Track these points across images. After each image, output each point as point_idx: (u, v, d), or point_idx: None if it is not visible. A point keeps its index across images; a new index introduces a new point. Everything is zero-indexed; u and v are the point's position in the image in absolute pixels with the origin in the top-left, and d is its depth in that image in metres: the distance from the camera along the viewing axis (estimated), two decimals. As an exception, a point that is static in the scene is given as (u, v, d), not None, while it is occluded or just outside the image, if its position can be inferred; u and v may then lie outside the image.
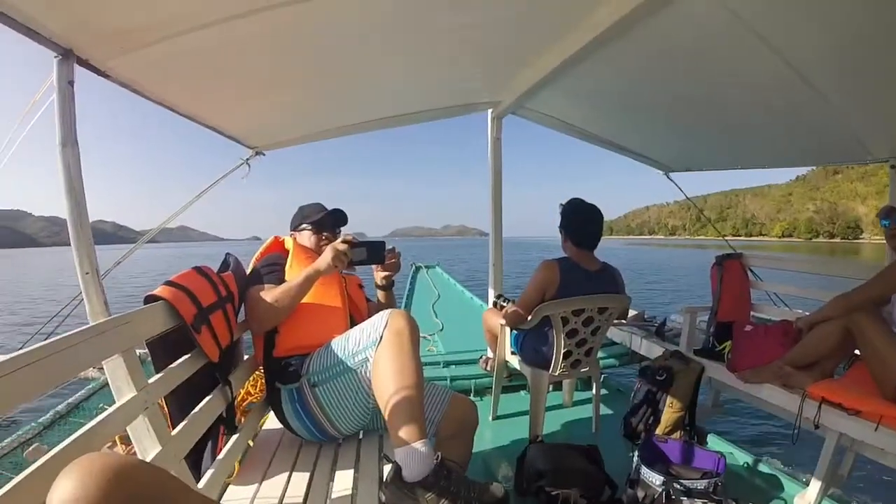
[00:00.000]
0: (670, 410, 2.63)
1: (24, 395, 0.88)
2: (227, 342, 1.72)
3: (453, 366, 3.67)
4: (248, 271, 2.05)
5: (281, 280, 1.91)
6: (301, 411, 1.74)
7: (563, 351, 2.52)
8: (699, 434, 2.71)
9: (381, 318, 1.61)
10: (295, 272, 1.92)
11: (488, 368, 3.40)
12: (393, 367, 1.48)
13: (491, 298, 3.48)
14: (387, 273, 2.21)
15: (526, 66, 2.71)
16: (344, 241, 1.82)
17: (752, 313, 3.41)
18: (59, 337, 1.03)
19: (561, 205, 2.70)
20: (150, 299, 1.44)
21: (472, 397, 3.32)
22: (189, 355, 1.51)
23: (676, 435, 2.59)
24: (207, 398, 1.55)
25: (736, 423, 4.14)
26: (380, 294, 2.32)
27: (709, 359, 2.93)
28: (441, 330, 5.17)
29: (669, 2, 1.77)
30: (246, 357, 2.07)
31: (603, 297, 2.52)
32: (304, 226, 2.20)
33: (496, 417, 3.05)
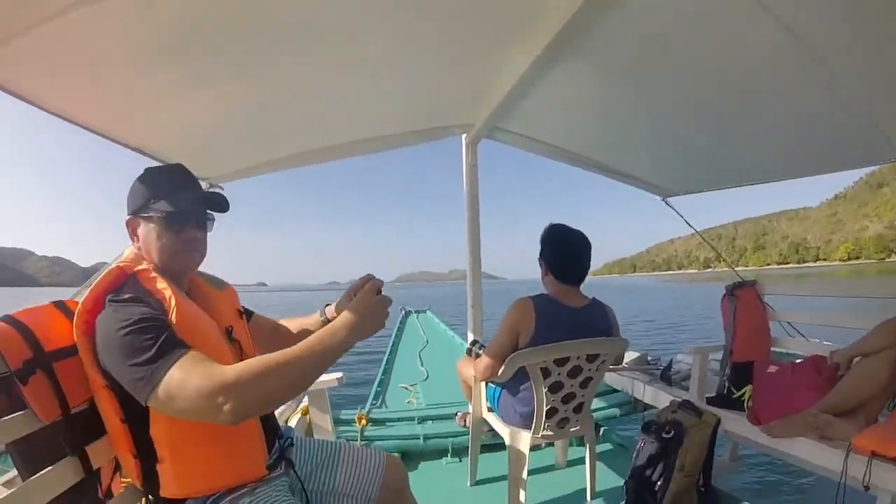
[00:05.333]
0: (680, 475, 2.22)
1: None
2: (86, 399, 1.26)
3: (429, 421, 3.30)
4: (83, 330, 1.15)
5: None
6: None
7: (545, 408, 2.12)
8: (716, 498, 2.35)
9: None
10: (192, 336, 1.15)
11: (465, 425, 2.99)
12: None
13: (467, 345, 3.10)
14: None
15: (494, 73, 2.43)
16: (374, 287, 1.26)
17: (772, 348, 2.99)
18: None
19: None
20: None
21: (449, 458, 2.94)
22: (23, 412, 1.15)
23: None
24: (46, 470, 1.14)
25: (760, 479, 3.62)
26: (316, 324, 1.66)
27: (725, 408, 2.53)
28: (425, 379, 4.81)
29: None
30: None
31: (592, 342, 2.10)
32: (152, 212, 1.25)
33: (475, 483, 2.63)
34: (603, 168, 3.68)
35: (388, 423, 3.27)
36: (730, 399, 2.62)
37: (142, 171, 1.32)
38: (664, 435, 2.33)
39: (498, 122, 3.00)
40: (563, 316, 2.14)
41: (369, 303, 1.18)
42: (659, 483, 2.25)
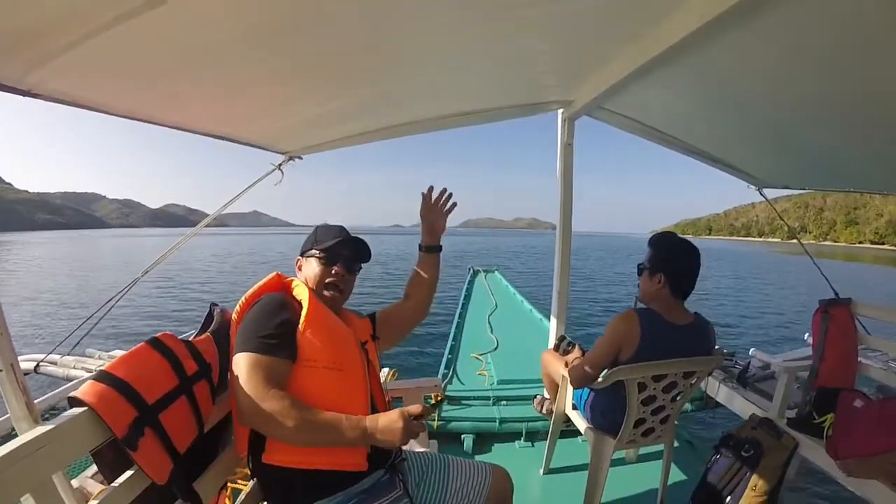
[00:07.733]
0: (752, 494, 2.24)
1: None
2: (193, 438, 1.31)
3: (504, 402, 3.33)
4: (238, 318, 1.49)
5: (291, 352, 1.36)
6: None
7: (635, 419, 2.15)
8: (784, 518, 2.30)
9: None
10: (312, 340, 1.39)
11: (543, 411, 3.04)
12: None
13: (552, 337, 3.09)
14: (435, 225, 1.94)
15: (610, 60, 2.25)
16: (419, 413, 1.35)
17: (857, 373, 2.86)
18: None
19: (652, 238, 2.25)
20: (74, 402, 1.06)
21: (522, 441, 3.03)
22: (132, 472, 1.15)
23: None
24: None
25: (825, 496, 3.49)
26: (424, 262, 1.97)
27: (805, 433, 2.47)
28: (495, 348, 4.77)
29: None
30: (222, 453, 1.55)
31: (692, 361, 2.08)
32: (313, 251, 1.65)
33: (548, 471, 2.71)
34: (701, 154, 3.48)
35: (463, 402, 3.33)
36: (810, 423, 2.52)
37: (314, 229, 1.74)
38: (742, 453, 2.33)
39: (601, 102, 2.78)
40: (668, 334, 2.09)
41: (401, 423, 1.30)
42: (728, 499, 2.28)
